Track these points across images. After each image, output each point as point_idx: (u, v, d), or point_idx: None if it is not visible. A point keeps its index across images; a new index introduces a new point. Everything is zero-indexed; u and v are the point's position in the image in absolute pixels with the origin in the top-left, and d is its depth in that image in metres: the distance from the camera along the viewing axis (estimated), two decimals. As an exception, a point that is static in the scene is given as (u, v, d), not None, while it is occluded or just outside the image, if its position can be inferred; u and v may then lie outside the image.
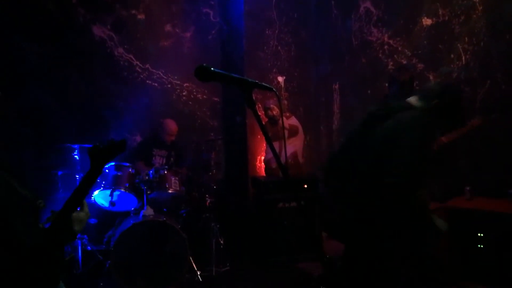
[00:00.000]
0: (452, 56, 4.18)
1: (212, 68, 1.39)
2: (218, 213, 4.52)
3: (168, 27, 5.45)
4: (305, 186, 4.50)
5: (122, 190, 3.82)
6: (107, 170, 3.92)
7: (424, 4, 4.36)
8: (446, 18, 4.24)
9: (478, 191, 3.82)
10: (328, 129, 5.54)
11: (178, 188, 3.98)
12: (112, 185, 3.82)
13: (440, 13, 4.27)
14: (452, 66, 4.17)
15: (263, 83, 1.50)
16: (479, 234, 3.47)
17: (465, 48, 4.12)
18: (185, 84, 5.49)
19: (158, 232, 3.66)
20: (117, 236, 3.62)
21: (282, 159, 4.77)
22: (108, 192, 3.84)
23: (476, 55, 4.05)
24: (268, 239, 4.28)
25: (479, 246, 3.46)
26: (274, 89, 1.54)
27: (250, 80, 1.46)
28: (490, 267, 3.38)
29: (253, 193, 4.78)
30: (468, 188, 3.80)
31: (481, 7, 4.00)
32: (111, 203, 3.77)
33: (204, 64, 1.39)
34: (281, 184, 4.40)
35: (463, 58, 4.13)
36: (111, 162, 3.85)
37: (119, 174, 3.87)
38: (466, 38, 4.10)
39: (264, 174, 4.97)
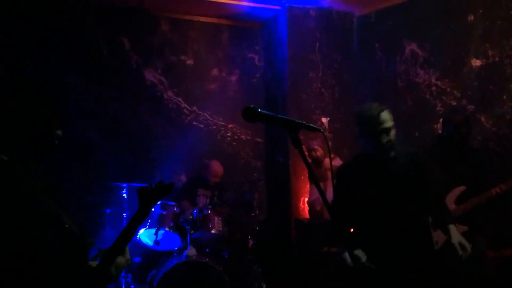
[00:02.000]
0: (504, 97, 4.04)
1: (259, 110, 1.41)
2: (260, 255, 4.44)
3: (214, 71, 5.65)
4: (352, 229, 4.35)
5: (167, 229, 3.86)
6: (152, 209, 3.98)
7: (472, 45, 4.28)
8: (497, 59, 4.14)
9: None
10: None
11: (221, 229, 3.98)
12: (157, 224, 3.88)
13: (490, 54, 4.18)
14: (505, 107, 4.02)
15: (310, 124, 1.51)
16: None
17: (518, 89, 3.98)
18: (229, 125, 5.60)
19: (200, 273, 3.63)
20: (160, 276, 3.63)
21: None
22: (153, 231, 3.89)
23: (530, 96, 3.90)
24: (312, 284, 4.13)
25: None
26: (321, 129, 1.53)
27: (296, 120, 1.47)
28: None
29: (296, 235, 4.68)
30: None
31: (533, 47, 3.89)
32: (156, 242, 3.82)
33: (252, 105, 1.42)
34: (326, 227, 4.29)
35: (516, 99, 3.98)
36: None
37: (164, 213, 3.93)
38: (519, 79, 3.96)
39: (308, 216, 4.88)
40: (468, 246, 2.34)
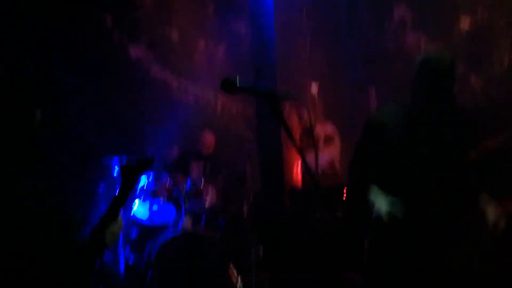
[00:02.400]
0: (493, 58, 4.01)
1: (238, 81, 1.39)
2: (256, 224, 4.48)
3: (201, 44, 5.55)
4: (344, 196, 4.38)
5: (161, 202, 3.87)
6: (146, 183, 3.99)
7: (462, 7, 4.21)
8: (486, 17, 4.07)
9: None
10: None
11: (214, 199, 3.99)
12: (151, 197, 3.88)
13: (479, 11, 4.11)
14: (492, 68, 3.99)
15: (291, 94, 1.48)
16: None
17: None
18: (219, 99, 5.55)
19: (197, 243, 3.66)
20: (157, 249, 3.65)
21: (319, 168, 4.70)
22: (147, 204, 3.89)
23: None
24: (306, 249, 4.19)
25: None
26: (301, 99, 1.52)
27: (277, 92, 1.44)
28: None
29: (290, 203, 4.71)
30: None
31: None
32: (150, 216, 3.82)
33: (230, 78, 1.40)
34: (318, 194, 4.31)
35: (506, 60, 3.94)
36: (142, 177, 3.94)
37: (157, 187, 3.93)
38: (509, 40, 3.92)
39: (301, 184, 4.90)
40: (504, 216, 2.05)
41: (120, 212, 1.76)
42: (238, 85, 1.40)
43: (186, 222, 3.83)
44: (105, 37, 5.04)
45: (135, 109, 5.11)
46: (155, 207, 3.86)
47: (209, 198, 3.97)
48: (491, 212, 2.02)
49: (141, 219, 4.05)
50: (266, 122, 5.48)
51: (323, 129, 4.64)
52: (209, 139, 4.70)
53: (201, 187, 3.94)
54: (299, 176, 5.00)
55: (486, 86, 4.08)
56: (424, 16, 4.55)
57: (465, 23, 4.20)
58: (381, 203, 1.99)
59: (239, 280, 3.79)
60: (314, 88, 4.90)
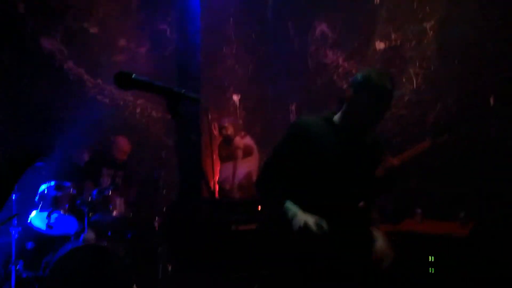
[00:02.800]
0: (404, 79, 4.24)
1: (134, 75, 1.29)
2: (168, 236, 4.31)
3: (122, 42, 5.27)
4: (260, 207, 4.38)
5: (61, 212, 3.57)
6: (46, 190, 3.67)
7: (377, 27, 4.42)
8: (398, 42, 4.31)
9: (429, 213, 3.82)
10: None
11: (123, 210, 3.77)
12: (51, 206, 3.57)
13: (393, 37, 4.34)
14: (403, 89, 4.23)
15: (190, 94, 1.40)
16: (430, 258, 3.45)
17: (416, 71, 4.19)
18: (138, 101, 5.29)
19: (99, 257, 3.42)
20: (54, 262, 3.36)
21: (236, 180, 4.66)
22: (45, 214, 3.57)
23: (427, 79, 4.13)
24: (220, 263, 4.11)
25: (430, 270, 3.44)
26: (199, 98, 1.43)
27: (175, 89, 1.36)
28: (440, 291, 3.36)
29: (206, 215, 4.61)
30: (419, 210, 3.80)
31: (431, 32, 4.10)
32: (48, 226, 3.51)
33: (125, 70, 1.29)
34: (235, 206, 4.27)
35: (414, 81, 4.19)
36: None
37: (58, 194, 3.62)
38: (417, 62, 4.17)
39: (217, 196, 4.82)
40: (390, 256, 2.10)
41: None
42: (133, 77, 1.32)
43: (89, 233, 3.56)
44: (15, 25, 4.59)
45: (43, 106, 4.70)
46: (54, 216, 3.55)
47: (117, 208, 3.74)
48: (379, 248, 2.07)
49: (38, 228, 3.71)
50: (188, 129, 5.36)
51: (242, 141, 4.60)
52: (124, 144, 4.44)
53: (108, 196, 3.69)
54: (216, 187, 4.92)
55: (396, 106, 4.30)
56: (343, 36, 4.71)
57: (379, 46, 4.41)
58: (303, 215, 1.90)
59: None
60: (236, 99, 4.85)
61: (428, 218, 3.80)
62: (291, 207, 1.96)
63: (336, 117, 2.09)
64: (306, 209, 1.94)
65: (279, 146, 2.14)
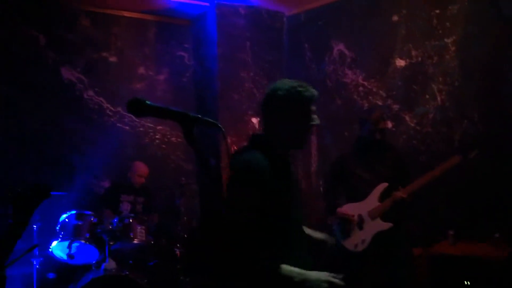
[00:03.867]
0: (427, 96, 4.14)
1: (147, 102, 1.24)
2: (190, 264, 4.21)
3: (141, 70, 5.34)
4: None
5: (82, 241, 3.53)
6: (67, 220, 3.64)
7: (396, 45, 4.36)
8: (419, 59, 4.23)
9: (462, 235, 3.65)
10: (306, 172, 5.37)
11: (144, 238, 3.70)
12: (71, 236, 3.53)
13: (413, 54, 4.27)
14: (427, 106, 4.12)
15: (207, 118, 1.34)
16: (465, 282, 3.26)
17: (439, 88, 4.09)
18: (158, 127, 5.31)
19: (120, 287, 3.34)
20: (76, 293, 3.30)
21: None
22: (66, 243, 3.53)
23: (451, 95, 4.02)
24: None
25: (466, 293, 3.26)
26: (218, 124, 1.37)
27: (191, 114, 1.30)
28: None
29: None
30: (451, 232, 3.63)
31: (453, 48, 4.01)
32: (69, 255, 3.46)
33: (139, 97, 1.25)
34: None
35: (438, 98, 4.08)
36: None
37: (79, 223, 3.59)
38: (440, 78, 4.08)
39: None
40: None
41: (15, 244, 1.54)
42: (147, 103, 1.29)
43: (110, 262, 3.50)
44: (37, 57, 4.72)
45: (63, 136, 4.75)
46: (75, 245, 3.51)
47: (138, 235, 3.67)
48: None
49: (59, 258, 3.67)
50: (207, 154, 5.32)
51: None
52: (141, 167, 4.43)
53: (129, 224, 3.63)
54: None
55: (420, 124, 4.19)
56: (361, 55, 4.66)
57: (400, 64, 4.33)
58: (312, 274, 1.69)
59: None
60: (255, 123, 4.81)
61: (461, 240, 3.62)
62: (291, 270, 1.67)
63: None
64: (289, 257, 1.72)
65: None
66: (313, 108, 1.87)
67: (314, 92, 1.88)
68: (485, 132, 3.79)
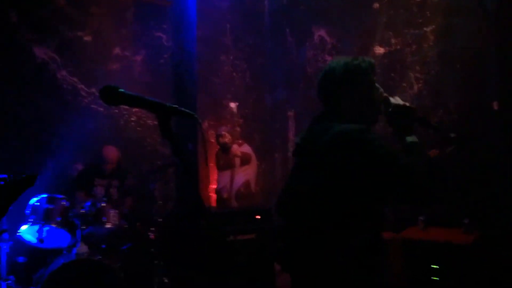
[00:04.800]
0: (404, 84, 4.16)
1: (120, 89, 1.18)
2: (165, 248, 4.19)
3: (117, 50, 5.20)
4: (258, 217, 4.26)
5: (53, 225, 3.44)
6: (37, 203, 3.55)
7: (376, 33, 4.35)
8: (398, 47, 4.24)
9: (432, 221, 3.72)
10: (283, 157, 5.38)
11: (117, 222, 3.65)
12: (42, 220, 3.45)
13: (393, 42, 4.27)
14: (404, 94, 4.14)
15: (184, 109, 1.29)
16: (433, 266, 3.34)
17: (417, 76, 4.11)
18: (134, 109, 5.21)
19: (92, 271, 3.30)
20: (46, 277, 3.23)
21: (234, 189, 4.55)
22: (36, 227, 3.45)
23: (428, 84, 4.04)
24: (217, 274, 3.98)
25: (433, 278, 3.33)
26: (195, 115, 1.32)
27: (168, 104, 1.25)
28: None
29: (203, 225, 4.49)
30: (422, 218, 3.70)
31: (432, 37, 4.03)
32: (40, 239, 3.39)
33: (112, 84, 1.19)
34: (232, 216, 4.15)
35: (415, 86, 4.11)
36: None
37: (50, 207, 3.50)
38: (418, 67, 4.09)
39: (215, 205, 4.71)
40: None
41: None
42: (121, 91, 1.21)
43: (82, 247, 3.44)
44: (8, 35, 4.52)
45: (36, 117, 4.61)
46: (46, 229, 3.43)
47: (111, 220, 3.62)
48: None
49: (29, 242, 3.59)
50: (184, 138, 5.26)
51: (239, 149, 4.50)
52: (111, 153, 4.34)
53: (102, 208, 3.57)
54: (214, 197, 4.80)
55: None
56: (342, 42, 4.64)
57: (379, 51, 4.33)
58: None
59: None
60: (233, 107, 4.76)
61: (432, 225, 3.69)
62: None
63: None
64: None
65: None
66: (374, 78, 1.84)
67: (372, 61, 1.86)
68: (460, 121, 3.84)
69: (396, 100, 1.82)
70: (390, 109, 1.81)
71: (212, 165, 4.95)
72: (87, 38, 4.99)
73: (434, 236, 3.48)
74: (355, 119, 1.76)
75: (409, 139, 1.75)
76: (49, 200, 3.56)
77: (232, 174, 4.48)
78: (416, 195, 1.60)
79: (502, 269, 3.31)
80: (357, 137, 1.63)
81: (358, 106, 1.79)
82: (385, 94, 1.84)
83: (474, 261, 3.22)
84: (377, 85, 1.83)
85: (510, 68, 3.51)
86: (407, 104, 1.80)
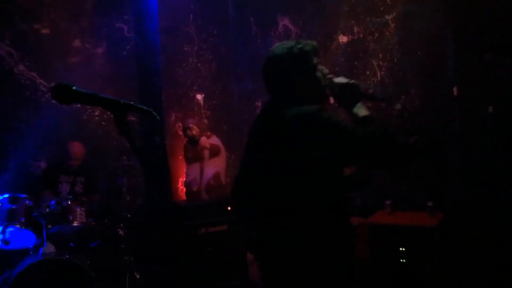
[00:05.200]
0: (368, 72, 4.24)
1: (74, 87, 1.14)
2: (135, 244, 4.13)
3: (77, 43, 5.03)
4: (229, 208, 4.27)
5: (17, 226, 3.34)
6: (-1, 204, 3.42)
7: (340, 21, 4.40)
8: (361, 35, 4.31)
9: (398, 204, 3.84)
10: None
11: (84, 220, 3.57)
12: (5, 220, 3.33)
13: (355, 30, 4.33)
14: (368, 82, 4.23)
15: (140, 106, 1.27)
16: (400, 249, 3.46)
17: (379, 64, 4.20)
18: (97, 104, 5.06)
19: (60, 271, 3.22)
20: (12, 279, 3.13)
21: (204, 181, 4.53)
22: (0, 228, 3.33)
23: (390, 71, 4.14)
24: (190, 268, 3.98)
25: (401, 260, 3.45)
26: (152, 111, 1.30)
27: (122, 101, 1.23)
28: (412, 282, 3.37)
29: (173, 219, 4.46)
30: (388, 202, 3.81)
31: (393, 25, 4.11)
32: (4, 241, 3.28)
33: (64, 82, 1.15)
34: (202, 208, 4.14)
35: (378, 74, 4.20)
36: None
37: (13, 207, 3.39)
38: (381, 55, 4.18)
39: (185, 198, 4.68)
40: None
41: None
42: (74, 89, 1.17)
43: (49, 246, 3.35)
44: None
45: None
46: (9, 230, 3.32)
47: (78, 217, 3.53)
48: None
49: (-7, 244, 3.46)
50: (152, 132, 5.17)
51: (208, 141, 4.47)
52: (76, 148, 4.22)
53: (68, 206, 3.48)
54: (183, 190, 4.77)
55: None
56: (306, 31, 4.67)
57: (342, 40, 4.39)
58: None
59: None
60: (199, 98, 4.72)
61: (398, 209, 3.81)
62: None
63: None
64: None
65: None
66: (317, 59, 1.87)
67: (314, 43, 1.89)
68: (422, 106, 3.96)
69: (340, 79, 1.88)
70: (336, 90, 1.86)
71: (180, 158, 4.91)
72: (45, 31, 4.80)
73: (400, 220, 3.60)
74: (306, 101, 1.79)
75: (361, 113, 1.80)
76: (11, 200, 3.44)
77: (201, 166, 4.46)
78: (383, 157, 1.68)
79: (467, 249, 3.46)
80: (314, 117, 1.69)
81: (306, 88, 1.83)
82: (329, 76, 1.89)
83: (439, 243, 3.35)
84: (321, 66, 1.87)
85: (467, 52, 3.63)
86: (351, 81, 1.85)
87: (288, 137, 1.73)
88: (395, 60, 4.11)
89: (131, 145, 1.24)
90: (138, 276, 3.82)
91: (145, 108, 1.28)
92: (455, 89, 3.68)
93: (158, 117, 1.33)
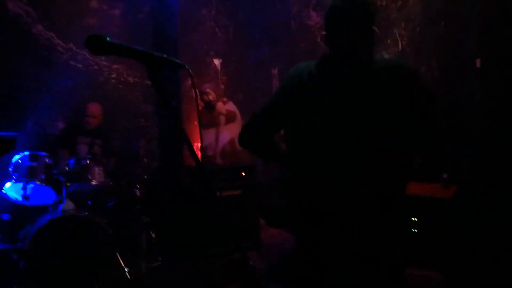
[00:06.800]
0: (389, 41, 4.16)
1: (108, 38, 1.14)
2: (150, 205, 4.22)
3: (94, 3, 4.98)
4: (243, 173, 4.31)
5: (37, 182, 3.42)
6: (20, 161, 3.49)
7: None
8: (384, 3, 4.20)
9: (414, 176, 3.83)
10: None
11: (102, 179, 3.64)
12: (26, 177, 3.41)
13: (378, -3, 4.23)
14: (388, 51, 4.16)
15: (174, 59, 1.27)
16: (413, 219, 3.48)
17: (401, 34, 4.11)
18: (114, 66, 5.07)
19: (79, 228, 3.31)
20: (33, 234, 3.24)
21: (219, 146, 4.57)
22: (21, 184, 3.42)
23: (412, 41, 4.06)
24: (203, 230, 4.06)
25: (413, 230, 3.48)
26: (186, 65, 1.30)
27: (156, 54, 1.22)
28: (424, 251, 3.41)
29: (188, 182, 4.52)
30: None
31: (417, -7, 4.00)
32: (25, 197, 3.37)
33: (99, 33, 1.15)
34: (218, 172, 4.18)
35: (400, 44, 4.12)
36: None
37: (34, 165, 3.45)
38: (403, 24, 4.08)
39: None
40: None
41: None
42: (108, 40, 1.16)
43: (68, 203, 3.44)
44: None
45: (11, 74, 4.44)
46: (30, 186, 3.40)
47: (96, 177, 3.60)
48: None
49: (14, 199, 3.56)
50: (167, 94, 5.16)
51: (224, 107, 4.48)
52: (94, 108, 4.25)
53: (86, 165, 3.54)
54: (199, 154, 4.81)
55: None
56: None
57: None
58: None
59: (127, 270, 3.52)
60: (217, 64, 4.69)
61: (412, 180, 3.81)
62: None
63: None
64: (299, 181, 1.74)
65: (269, 99, 1.85)
66: None
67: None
68: (442, 78, 3.90)
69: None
70: None
71: (195, 123, 4.93)
72: (62, -10, 4.76)
73: (414, 190, 3.60)
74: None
75: None
76: (32, 157, 3.50)
77: (217, 132, 4.48)
78: (444, 129, 1.82)
79: (479, 222, 3.48)
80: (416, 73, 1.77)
81: (373, 45, 1.69)
82: None
83: (452, 215, 3.36)
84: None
85: (491, 24, 3.54)
86: None
87: (385, 91, 1.62)
88: (417, 30, 4.02)
89: (161, 97, 1.24)
90: (153, 236, 3.92)
91: (178, 61, 1.28)
92: (478, 61, 3.60)
93: (191, 71, 1.33)
